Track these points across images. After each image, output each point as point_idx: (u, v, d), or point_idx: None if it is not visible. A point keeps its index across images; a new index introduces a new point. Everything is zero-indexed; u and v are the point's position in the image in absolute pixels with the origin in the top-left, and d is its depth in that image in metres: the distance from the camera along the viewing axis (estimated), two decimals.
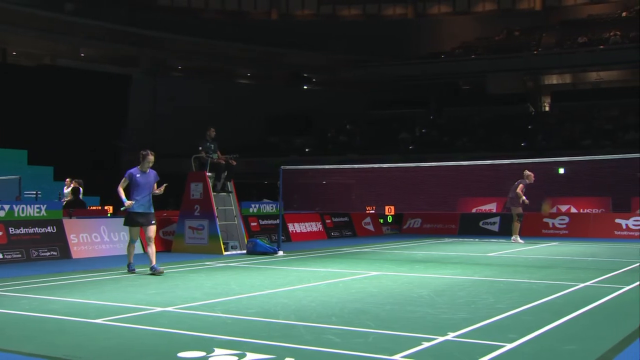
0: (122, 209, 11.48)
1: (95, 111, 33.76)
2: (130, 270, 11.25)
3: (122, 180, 11.19)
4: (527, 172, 18.41)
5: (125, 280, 10.28)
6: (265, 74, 48.69)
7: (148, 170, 11.29)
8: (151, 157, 11.31)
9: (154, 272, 10.98)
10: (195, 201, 15.70)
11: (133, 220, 11.27)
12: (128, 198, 11.13)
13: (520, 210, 18.71)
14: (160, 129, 41.41)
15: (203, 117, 35.69)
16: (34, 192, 20.75)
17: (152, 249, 11.32)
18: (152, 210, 11.32)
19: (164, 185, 11.36)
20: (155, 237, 16.01)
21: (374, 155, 32.52)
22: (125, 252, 11.80)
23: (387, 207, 23.80)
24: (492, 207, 25.35)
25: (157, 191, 11.34)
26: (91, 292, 8.93)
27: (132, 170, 11.22)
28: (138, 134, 38.11)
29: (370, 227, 23.91)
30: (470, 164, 16.66)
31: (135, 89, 38.45)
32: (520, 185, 18.39)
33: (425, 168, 17.83)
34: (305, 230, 20.99)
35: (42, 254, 13.79)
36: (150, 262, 11.19)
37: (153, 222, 11.30)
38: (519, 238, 18.89)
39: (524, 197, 18.32)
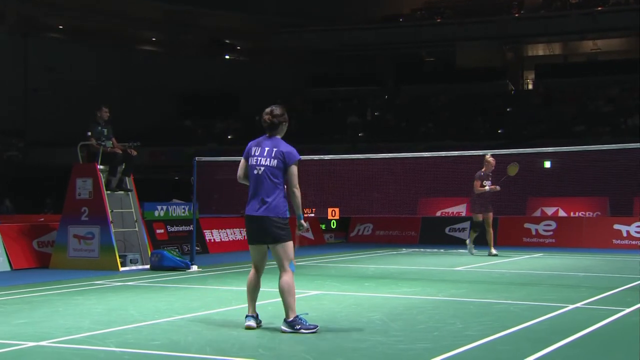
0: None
1: None
2: (255, 322, 8.25)
3: (241, 165, 8.43)
4: (487, 158, 17.74)
5: None
6: (176, 39, 48.15)
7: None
8: (278, 111, 8.39)
9: (299, 327, 7.93)
10: (83, 202, 15.44)
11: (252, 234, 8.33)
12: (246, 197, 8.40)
13: (480, 217, 18.24)
14: (35, 108, 40.48)
15: (93, 94, 35.11)
16: None
17: (288, 288, 8.08)
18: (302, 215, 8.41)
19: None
20: (32, 250, 15.84)
21: (315, 145, 32.61)
22: None
23: (330, 210, 23.84)
24: (461, 209, 25.67)
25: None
26: None
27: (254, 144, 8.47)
28: (4, 113, 37.21)
29: (309, 235, 23.95)
30: (435, 155, 16.82)
31: None
32: (476, 182, 17.88)
33: (378, 160, 17.95)
34: (226, 239, 20.90)
35: None
36: (287, 311, 8.03)
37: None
38: (472, 248, 18.68)
39: (485, 189, 17.66)
